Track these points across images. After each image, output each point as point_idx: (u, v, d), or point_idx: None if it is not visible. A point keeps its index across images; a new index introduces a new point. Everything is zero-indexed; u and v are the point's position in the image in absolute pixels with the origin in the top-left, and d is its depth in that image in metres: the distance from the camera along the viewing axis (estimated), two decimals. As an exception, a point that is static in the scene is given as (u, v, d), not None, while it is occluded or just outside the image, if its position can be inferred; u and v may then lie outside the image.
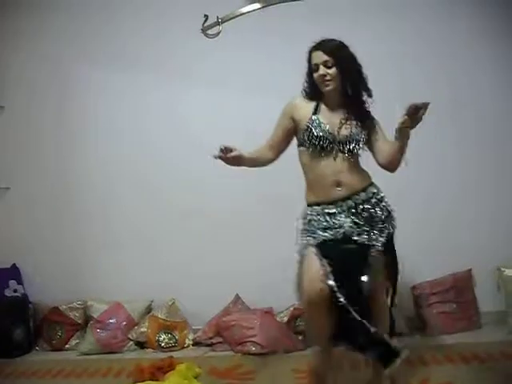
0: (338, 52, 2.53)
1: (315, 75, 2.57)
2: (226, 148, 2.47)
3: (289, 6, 3.91)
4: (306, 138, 2.58)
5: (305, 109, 2.64)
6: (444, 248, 3.88)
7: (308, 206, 2.67)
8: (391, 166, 2.57)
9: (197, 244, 4.09)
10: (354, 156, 2.59)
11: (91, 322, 4.07)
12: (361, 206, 2.55)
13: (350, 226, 2.52)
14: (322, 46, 2.55)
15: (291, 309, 3.86)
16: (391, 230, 2.63)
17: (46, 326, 4.17)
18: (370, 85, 2.61)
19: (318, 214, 2.58)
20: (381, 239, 2.55)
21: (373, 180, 2.67)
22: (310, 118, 2.58)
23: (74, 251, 4.28)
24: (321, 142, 2.54)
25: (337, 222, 2.53)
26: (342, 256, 2.49)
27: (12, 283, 4.21)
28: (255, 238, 4.01)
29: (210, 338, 3.92)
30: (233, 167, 2.60)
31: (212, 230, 4.08)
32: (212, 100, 4.10)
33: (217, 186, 4.06)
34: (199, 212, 4.08)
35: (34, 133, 4.34)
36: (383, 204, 2.61)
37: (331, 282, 2.42)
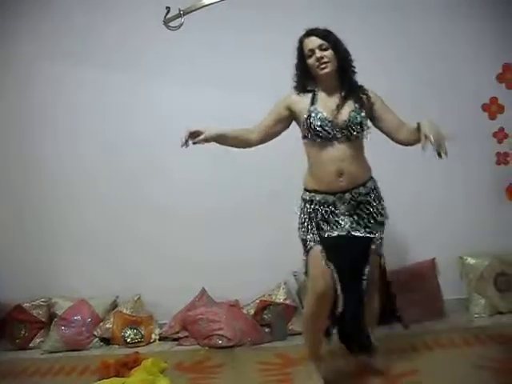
0: (330, 35, 2.60)
1: (310, 60, 2.60)
2: (192, 134, 2.52)
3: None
4: (306, 130, 2.61)
5: (302, 102, 2.67)
6: (407, 238, 3.94)
7: (307, 191, 2.72)
8: (408, 145, 2.69)
9: (161, 238, 4.04)
10: (356, 142, 2.64)
11: (55, 319, 4.00)
12: (359, 199, 2.63)
13: (351, 223, 2.63)
14: (315, 31, 2.61)
15: (257, 301, 3.88)
16: (385, 220, 2.76)
17: (8, 325, 4.07)
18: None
19: (320, 203, 2.64)
20: (379, 232, 2.70)
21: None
22: (308, 110, 2.62)
23: (37, 247, 4.17)
24: (321, 132, 2.57)
25: (338, 218, 2.63)
26: (345, 252, 2.61)
27: (-28, 282, 4.11)
28: (220, 231, 4.00)
29: (177, 333, 3.90)
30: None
31: (176, 225, 4.04)
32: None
33: (181, 182, 4.02)
34: (163, 206, 4.03)
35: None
36: (379, 200, 2.73)
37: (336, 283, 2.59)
